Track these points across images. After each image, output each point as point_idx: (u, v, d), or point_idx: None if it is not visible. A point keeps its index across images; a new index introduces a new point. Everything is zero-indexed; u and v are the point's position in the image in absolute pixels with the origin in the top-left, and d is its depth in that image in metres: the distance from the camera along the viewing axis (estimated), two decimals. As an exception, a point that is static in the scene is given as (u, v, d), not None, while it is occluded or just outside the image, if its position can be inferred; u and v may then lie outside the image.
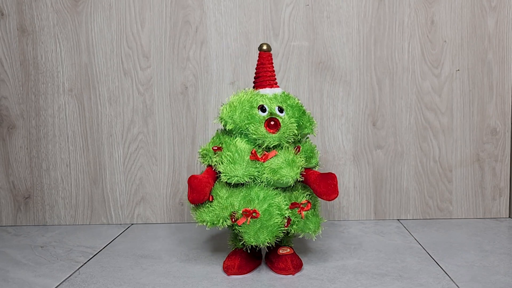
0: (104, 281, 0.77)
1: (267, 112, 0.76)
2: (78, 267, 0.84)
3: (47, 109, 1.10)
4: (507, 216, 1.11)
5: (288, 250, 0.80)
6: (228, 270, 0.78)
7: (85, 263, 0.86)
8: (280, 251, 0.80)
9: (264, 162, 0.74)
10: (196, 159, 1.10)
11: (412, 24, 1.07)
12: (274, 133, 0.75)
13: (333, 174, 0.75)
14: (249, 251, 0.81)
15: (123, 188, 1.11)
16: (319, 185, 0.75)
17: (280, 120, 0.75)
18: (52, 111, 1.10)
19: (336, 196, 0.75)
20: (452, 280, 0.75)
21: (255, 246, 0.76)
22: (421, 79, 1.08)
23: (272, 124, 0.75)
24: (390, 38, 1.07)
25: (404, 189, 1.11)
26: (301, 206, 0.76)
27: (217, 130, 0.83)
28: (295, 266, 0.78)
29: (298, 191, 0.78)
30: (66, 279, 0.79)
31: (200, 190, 0.73)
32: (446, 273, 0.78)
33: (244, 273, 0.79)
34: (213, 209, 0.75)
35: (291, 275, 0.78)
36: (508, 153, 1.10)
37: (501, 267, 0.80)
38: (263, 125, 0.75)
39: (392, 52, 1.07)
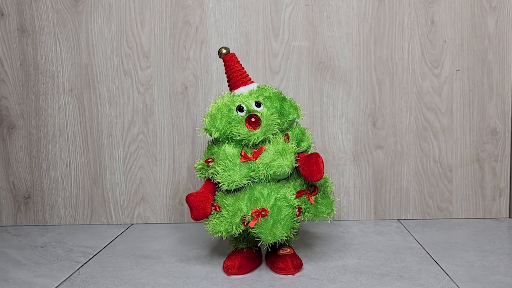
0: (104, 281, 0.77)
1: (245, 111, 0.76)
2: (78, 267, 0.84)
3: (47, 109, 1.10)
4: (507, 216, 1.11)
5: (288, 250, 0.80)
6: (228, 270, 0.78)
7: (85, 263, 0.86)
8: (280, 251, 0.80)
9: (256, 160, 0.74)
10: (196, 158, 1.10)
11: (412, 24, 1.07)
12: (256, 129, 0.75)
13: (316, 153, 0.73)
14: (253, 251, 0.81)
15: (123, 188, 1.11)
16: (303, 167, 0.74)
17: (259, 115, 0.75)
18: (52, 111, 1.10)
19: (321, 177, 0.72)
20: (452, 280, 0.75)
21: (273, 243, 0.76)
22: (421, 79, 1.08)
23: (253, 121, 0.75)
24: (390, 38, 1.07)
25: (404, 189, 1.11)
26: (308, 192, 0.76)
27: (208, 142, 0.83)
28: (295, 266, 0.78)
29: (302, 178, 0.78)
30: (66, 279, 0.79)
31: (199, 207, 0.74)
32: (446, 273, 0.78)
33: (244, 273, 0.79)
34: (224, 218, 0.75)
35: (291, 275, 0.78)
36: (508, 153, 1.10)
37: (501, 267, 0.80)
38: (244, 124, 0.75)
39: (392, 52, 1.07)
